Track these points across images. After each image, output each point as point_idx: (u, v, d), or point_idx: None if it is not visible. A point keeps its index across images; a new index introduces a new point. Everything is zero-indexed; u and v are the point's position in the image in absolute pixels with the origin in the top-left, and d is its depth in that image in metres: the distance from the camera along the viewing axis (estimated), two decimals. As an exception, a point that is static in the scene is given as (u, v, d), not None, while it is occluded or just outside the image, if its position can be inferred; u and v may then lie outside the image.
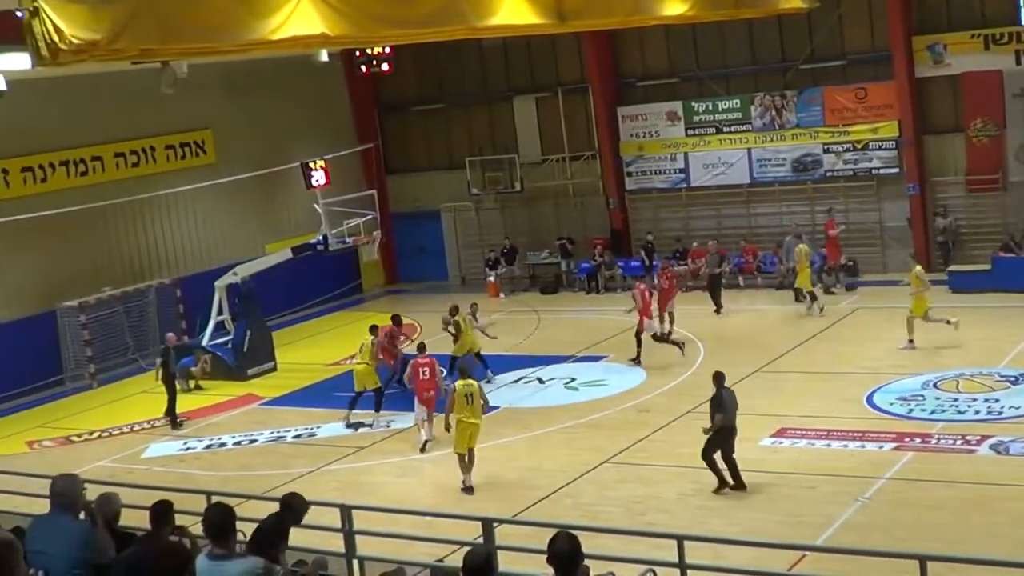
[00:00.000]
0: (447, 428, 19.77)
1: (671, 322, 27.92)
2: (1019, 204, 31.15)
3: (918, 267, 26.07)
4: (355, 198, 32.97)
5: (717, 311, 30.39)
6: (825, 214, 33.19)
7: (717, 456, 17.95)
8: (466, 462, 19.39)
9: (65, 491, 8.99)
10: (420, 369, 21.83)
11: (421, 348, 23.02)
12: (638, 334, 26.03)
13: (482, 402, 19.62)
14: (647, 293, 26.30)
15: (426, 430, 21.75)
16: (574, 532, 7.90)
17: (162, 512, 9.64)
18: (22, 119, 29.76)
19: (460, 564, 7.93)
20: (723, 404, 17.98)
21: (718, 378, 18.34)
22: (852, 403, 21.73)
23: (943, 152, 32.27)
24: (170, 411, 25.30)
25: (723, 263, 31.40)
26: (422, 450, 21.55)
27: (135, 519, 10.73)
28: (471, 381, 19.69)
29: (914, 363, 23.84)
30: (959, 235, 31.95)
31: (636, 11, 19.96)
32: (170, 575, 8.81)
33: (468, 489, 19.26)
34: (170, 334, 26.77)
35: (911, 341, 24.91)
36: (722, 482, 17.94)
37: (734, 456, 18.03)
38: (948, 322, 24.89)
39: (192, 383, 28.41)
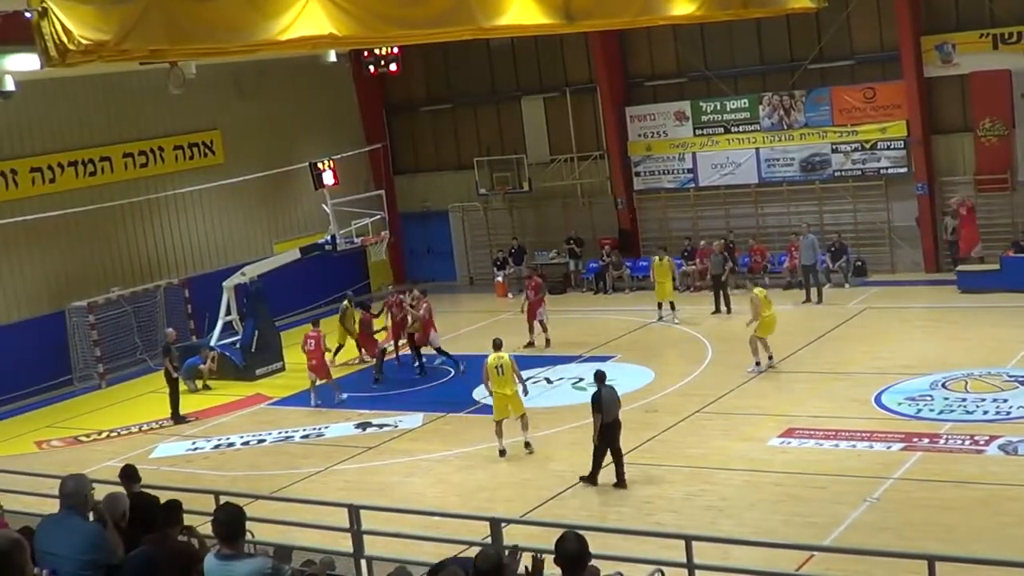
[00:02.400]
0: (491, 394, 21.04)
1: (544, 331, 28.80)
2: (1028, 204, 31.14)
3: (756, 289, 25.70)
4: (363, 198, 33.04)
5: (716, 311, 30.45)
6: (834, 214, 33.23)
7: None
8: (502, 428, 20.65)
9: (75, 492, 9.01)
10: (308, 340, 25.52)
11: (315, 323, 26.24)
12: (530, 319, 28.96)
13: (516, 374, 20.77)
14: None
15: (314, 395, 25.47)
16: (582, 532, 7.91)
17: (171, 512, 9.65)
18: (31, 119, 29.91)
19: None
20: (601, 402, 18.48)
21: (598, 377, 19.01)
22: (860, 403, 21.70)
23: (952, 152, 32.22)
24: (173, 406, 25.53)
25: (727, 264, 31.30)
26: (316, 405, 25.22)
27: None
28: (502, 354, 20.77)
29: (922, 363, 23.80)
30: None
31: (644, 11, 19.91)
32: (179, 575, 8.83)
33: (503, 452, 20.65)
34: (169, 329, 26.92)
35: (758, 363, 24.61)
36: (594, 478, 18.67)
37: (620, 448, 18.73)
38: (757, 363, 24.61)
39: (200, 383, 28.50)
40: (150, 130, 32.76)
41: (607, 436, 18.57)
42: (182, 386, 26.41)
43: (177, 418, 25.53)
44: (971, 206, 30.81)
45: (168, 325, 31.20)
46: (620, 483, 18.58)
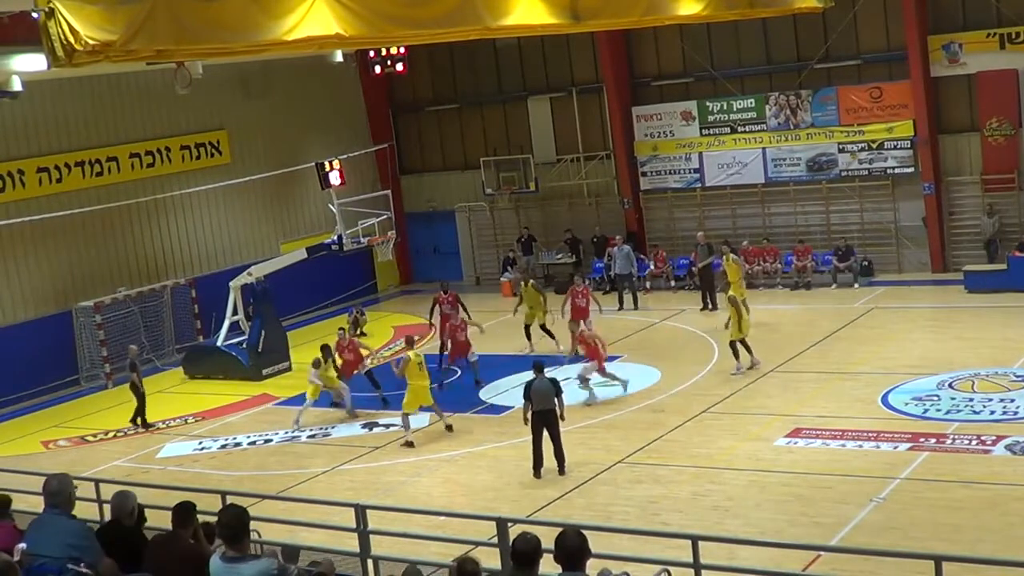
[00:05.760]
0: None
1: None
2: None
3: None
4: (370, 198, 33.03)
5: None
6: (840, 214, 33.21)
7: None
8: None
9: (58, 490, 9.11)
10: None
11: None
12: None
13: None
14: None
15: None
16: (587, 532, 7.91)
17: (184, 513, 9.66)
18: (38, 119, 29.95)
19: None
20: (531, 391, 19.45)
21: (536, 367, 19.93)
22: (867, 403, 21.67)
23: (959, 151, 32.16)
24: (140, 414, 25.51)
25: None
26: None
27: (152, 519, 10.77)
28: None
29: (929, 363, 23.77)
30: (1003, 234, 31.45)
31: (651, 11, 19.89)
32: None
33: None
34: (132, 346, 26.82)
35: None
36: (536, 468, 19.38)
37: (560, 440, 19.47)
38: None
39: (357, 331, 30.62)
40: (157, 130, 32.80)
41: (538, 424, 19.33)
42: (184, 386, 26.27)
43: (145, 426, 25.48)
44: None
45: (175, 325, 31.42)
46: (559, 470, 19.44)
